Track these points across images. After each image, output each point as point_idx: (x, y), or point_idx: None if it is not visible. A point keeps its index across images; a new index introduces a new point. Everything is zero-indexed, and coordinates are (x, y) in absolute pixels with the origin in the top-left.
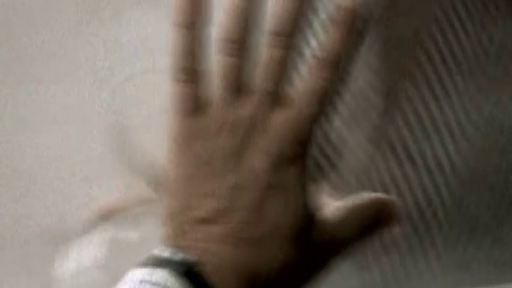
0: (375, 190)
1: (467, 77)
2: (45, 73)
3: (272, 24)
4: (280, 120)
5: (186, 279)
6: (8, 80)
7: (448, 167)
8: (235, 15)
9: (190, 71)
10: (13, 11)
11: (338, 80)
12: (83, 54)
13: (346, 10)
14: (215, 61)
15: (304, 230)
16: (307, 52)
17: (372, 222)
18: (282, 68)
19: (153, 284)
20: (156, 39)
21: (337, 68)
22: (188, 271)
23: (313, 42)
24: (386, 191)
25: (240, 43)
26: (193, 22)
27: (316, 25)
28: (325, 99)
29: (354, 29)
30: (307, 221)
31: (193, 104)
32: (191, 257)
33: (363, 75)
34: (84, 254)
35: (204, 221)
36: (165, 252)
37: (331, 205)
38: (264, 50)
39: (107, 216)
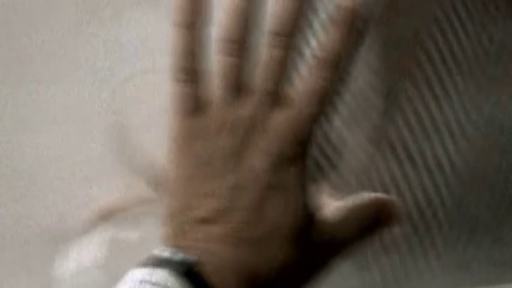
0: (375, 190)
1: (467, 77)
2: (45, 73)
3: (272, 24)
4: (280, 120)
5: (186, 279)
6: (8, 80)
7: (448, 167)
8: (235, 15)
9: (190, 71)
10: (13, 11)
11: (338, 80)
12: (83, 54)
13: (346, 10)
14: (215, 61)
15: (304, 230)
16: (307, 52)
17: (371, 222)
18: (282, 68)
19: (153, 284)
20: (156, 39)
21: (337, 68)
22: (188, 271)
23: (313, 42)
24: (386, 191)
25: (240, 43)
26: (193, 22)
27: (316, 25)
28: (325, 99)
29: (354, 29)
30: (307, 221)
31: (193, 104)
32: (191, 257)
33: (363, 75)
34: (84, 254)
35: (204, 221)
36: (165, 252)
37: (331, 205)
38: (264, 50)
39: (107, 216)
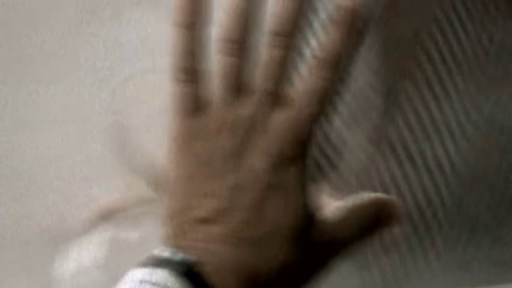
0: (375, 190)
1: (467, 77)
2: (45, 73)
3: (272, 24)
4: (280, 120)
5: (186, 279)
6: (8, 80)
7: (448, 167)
8: (235, 15)
9: (190, 71)
10: (13, 11)
11: (338, 80)
12: (83, 54)
13: (346, 10)
14: (215, 61)
15: (304, 230)
16: (307, 52)
17: (372, 222)
18: (282, 68)
19: (153, 284)
20: (156, 39)
21: (337, 68)
22: (188, 271)
23: (313, 42)
24: (386, 191)
25: (240, 43)
26: (193, 22)
27: (316, 25)
28: (325, 99)
29: (354, 29)
30: (307, 221)
31: (193, 104)
32: (191, 257)
33: (363, 75)
34: (84, 254)
35: (204, 221)
36: (165, 252)
37: (331, 205)
38: (264, 50)
39: (107, 216)
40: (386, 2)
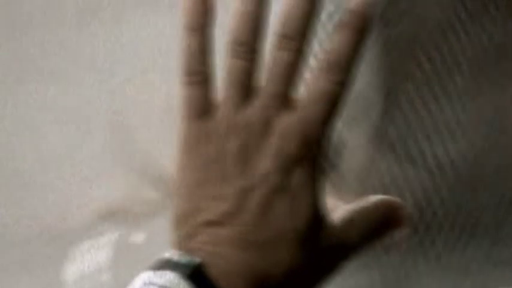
0: (375, 190)
1: (467, 77)
2: (45, 73)
3: (280, 26)
4: (288, 123)
5: (193, 282)
6: (8, 80)
7: (448, 167)
8: (243, 18)
9: (199, 73)
10: (13, 11)
11: (347, 82)
12: (83, 55)
13: (356, 13)
14: (224, 64)
15: (312, 233)
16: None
17: (380, 225)
18: (290, 71)
19: (161, 286)
20: (156, 39)
21: (345, 71)
22: (196, 274)
23: (314, 43)
24: (386, 191)
25: (249, 46)
26: (201, 24)
27: (317, 26)
28: (333, 102)
29: (363, 33)
30: (316, 224)
31: (202, 106)
32: (199, 259)
33: (363, 75)
34: (89, 256)
35: (212, 223)
36: (173, 255)
37: (339, 208)
38: (272, 52)
39: (107, 216)
40: (386, 2)
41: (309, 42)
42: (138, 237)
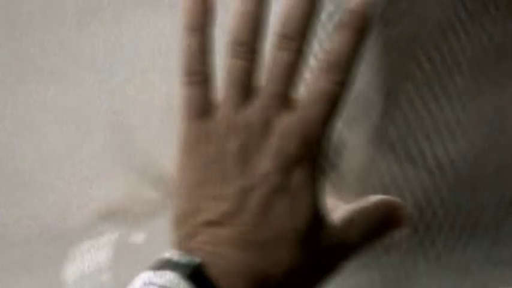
0: (375, 190)
1: (467, 77)
2: (45, 73)
3: (280, 26)
4: (288, 123)
5: (193, 282)
6: (8, 80)
7: (448, 167)
8: (243, 18)
9: (199, 73)
10: (13, 11)
11: (347, 82)
12: (83, 55)
13: (357, 14)
14: (224, 64)
15: (312, 233)
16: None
17: (380, 225)
18: (290, 71)
19: (160, 286)
20: (156, 39)
21: (345, 71)
22: (195, 274)
23: (314, 43)
24: (386, 191)
25: (249, 46)
26: (201, 24)
27: (317, 26)
28: (333, 102)
29: (363, 33)
30: (316, 224)
31: (202, 106)
32: (199, 259)
33: (363, 75)
34: (89, 256)
35: (212, 223)
36: (173, 255)
37: (339, 208)
38: (272, 52)
39: (107, 216)
40: (386, 2)
41: (309, 42)
42: (138, 237)
